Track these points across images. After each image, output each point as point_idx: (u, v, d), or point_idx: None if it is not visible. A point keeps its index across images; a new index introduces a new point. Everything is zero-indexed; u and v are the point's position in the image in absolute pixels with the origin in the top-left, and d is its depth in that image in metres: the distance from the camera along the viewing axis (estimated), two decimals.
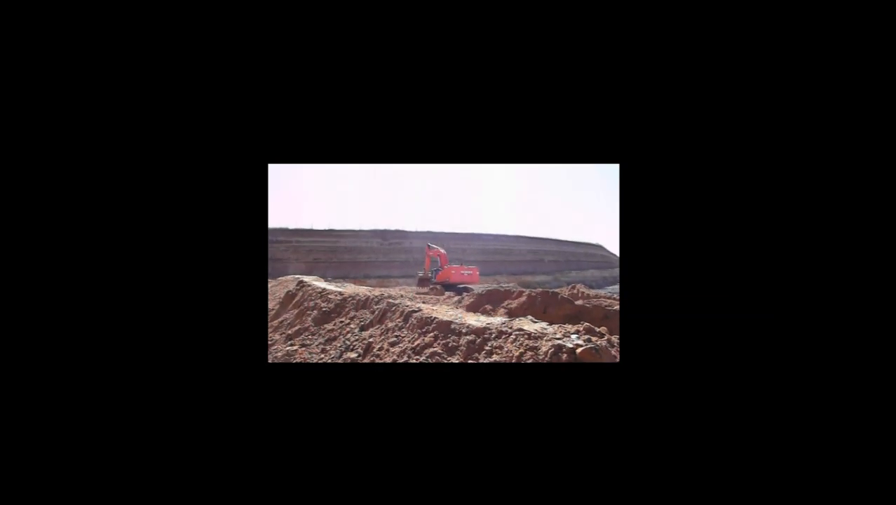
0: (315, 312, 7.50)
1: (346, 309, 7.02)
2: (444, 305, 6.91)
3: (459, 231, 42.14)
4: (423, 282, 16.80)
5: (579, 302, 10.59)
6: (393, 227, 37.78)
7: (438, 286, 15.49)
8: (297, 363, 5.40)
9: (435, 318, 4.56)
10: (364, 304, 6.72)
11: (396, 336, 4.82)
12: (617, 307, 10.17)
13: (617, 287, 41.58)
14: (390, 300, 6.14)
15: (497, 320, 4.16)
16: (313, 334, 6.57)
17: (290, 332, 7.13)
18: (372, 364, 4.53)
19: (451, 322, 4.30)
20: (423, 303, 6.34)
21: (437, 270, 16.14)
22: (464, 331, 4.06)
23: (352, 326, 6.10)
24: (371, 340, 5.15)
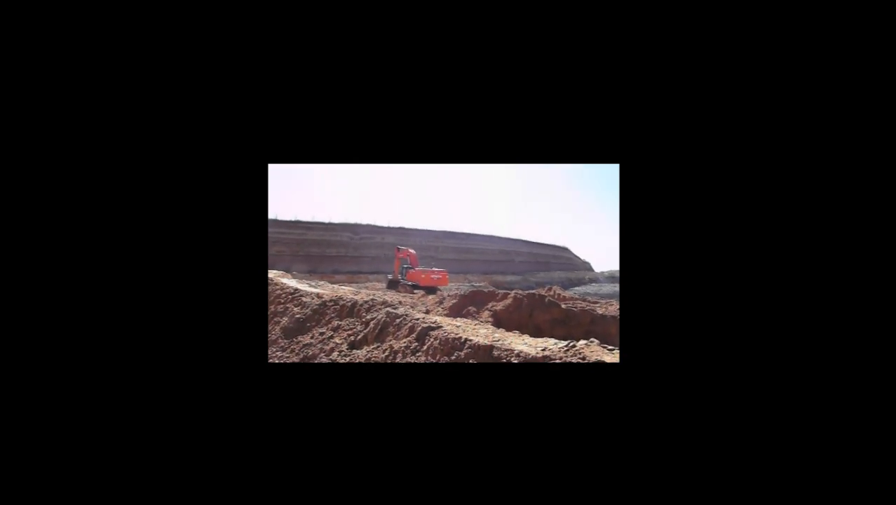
0: (286, 319, 6.34)
1: (327, 316, 5.89)
2: (469, 322, 5.64)
3: (432, 228, 41.54)
4: (392, 284, 16.91)
5: (565, 305, 10.36)
6: (364, 222, 36.33)
7: (408, 285, 15.64)
8: (297, 363, 4.60)
9: (467, 339, 3.66)
10: (351, 310, 5.62)
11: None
12: (601, 311, 10.02)
13: (582, 288, 43.21)
14: (390, 309, 5.02)
15: (555, 344, 3.44)
16: (284, 350, 5.41)
17: None
18: (372, 364, 4.03)
19: (491, 347, 3.41)
20: (427, 312, 5.44)
21: (406, 269, 16.29)
22: (515, 361, 3.27)
23: (336, 340, 5.04)
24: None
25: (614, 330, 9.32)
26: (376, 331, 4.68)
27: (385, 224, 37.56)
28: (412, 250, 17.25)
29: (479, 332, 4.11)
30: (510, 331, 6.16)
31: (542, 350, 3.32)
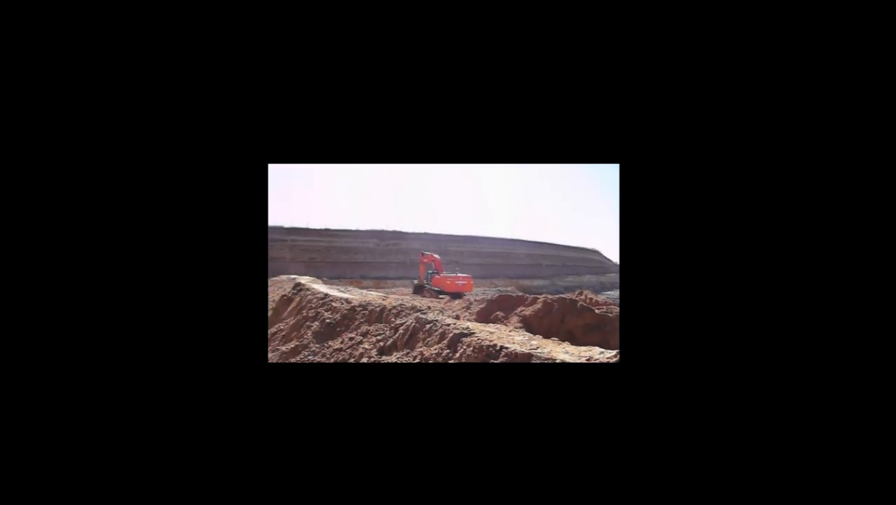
0: (317, 323, 6.48)
1: (356, 322, 5.93)
2: (503, 328, 5.40)
3: (457, 234, 41.52)
4: (418, 289, 16.97)
5: (599, 311, 9.86)
6: (390, 228, 36.94)
7: (434, 291, 15.68)
8: (297, 363, 4.63)
9: (503, 347, 3.46)
10: (379, 316, 5.62)
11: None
12: None
13: (615, 292, 41.43)
14: (419, 315, 4.90)
15: (601, 353, 3.20)
16: (315, 354, 5.50)
17: (285, 348, 6.10)
18: (372, 364, 4.00)
19: (530, 355, 3.22)
20: (457, 317, 5.32)
21: (431, 275, 16.41)
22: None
23: (365, 345, 5.05)
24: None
25: None
26: (406, 337, 4.60)
27: (410, 230, 38.04)
28: (437, 255, 17.45)
29: (515, 339, 3.88)
30: (542, 336, 5.90)
31: (588, 360, 3.07)
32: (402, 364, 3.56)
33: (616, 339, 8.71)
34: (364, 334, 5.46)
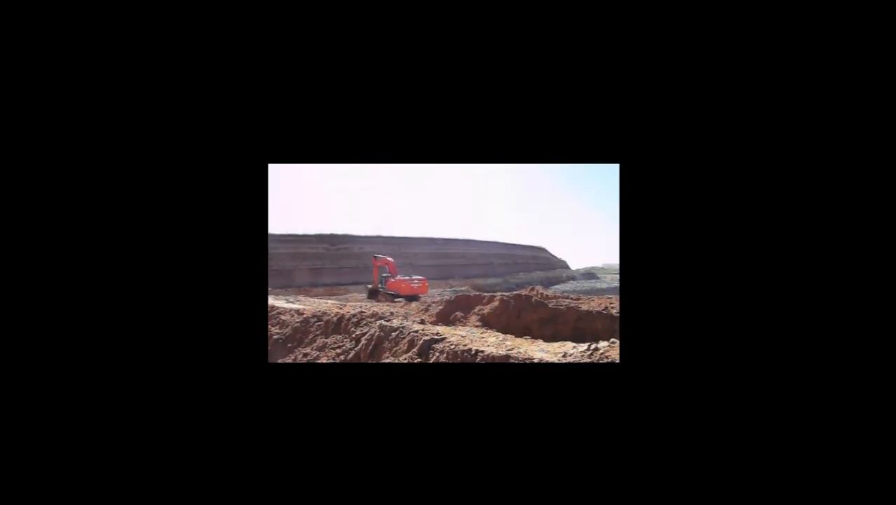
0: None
1: (311, 335, 5.43)
2: (477, 330, 5.39)
3: (411, 235, 41.17)
4: (372, 294, 16.61)
5: (551, 305, 10.38)
6: (340, 232, 35.44)
7: (389, 294, 15.38)
8: (297, 363, 4.24)
9: (477, 350, 3.41)
10: (337, 326, 5.19)
11: None
12: (586, 308, 10.09)
13: (561, 286, 44.09)
14: (383, 322, 4.61)
15: (574, 348, 3.24)
16: None
17: None
18: (372, 364, 3.84)
19: (507, 357, 3.19)
20: (423, 322, 5.13)
21: (386, 278, 16.12)
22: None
23: (323, 360, 4.61)
24: None
25: (600, 325, 9.42)
26: (370, 347, 4.28)
27: (361, 233, 36.87)
28: (390, 258, 17.23)
29: (488, 340, 3.84)
30: (499, 333, 5.98)
31: (564, 356, 3.14)
32: (403, 364, 3.44)
33: (567, 330, 9.25)
34: (321, 348, 5.01)
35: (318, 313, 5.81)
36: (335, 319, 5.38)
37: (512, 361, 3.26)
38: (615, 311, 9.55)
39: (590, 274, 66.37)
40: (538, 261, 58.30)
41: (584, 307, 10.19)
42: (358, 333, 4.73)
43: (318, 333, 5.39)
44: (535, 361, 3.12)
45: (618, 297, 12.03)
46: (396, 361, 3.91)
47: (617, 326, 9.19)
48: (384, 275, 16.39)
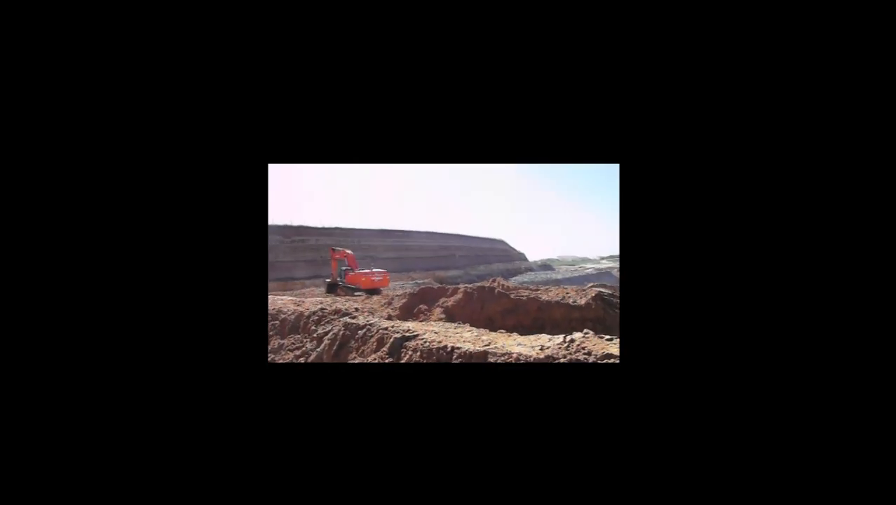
0: None
1: (268, 334, 4.96)
2: (450, 326, 5.00)
3: (370, 227, 40.06)
4: (331, 288, 16.02)
5: (513, 295, 10.67)
6: (295, 224, 33.44)
7: (349, 288, 14.85)
8: (297, 363, 3.87)
9: (454, 347, 3.25)
10: (295, 325, 4.73)
11: None
12: (545, 298, 10.49)
13: (520, 277, 45.70)
14: (348, 319, 4.23)
15: (550, 340, 3.19)
16: None
17: None
18: (372, 364, 3.66)
19: (486, 353, 3.07)
20: (391, 318, 4.89)
21: (345, 272, 15.56)
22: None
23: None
24: None
25: (558, 314, 9.84)
26: (334, 348, 3.88)
27: (319, 225, 35.13)
28: (349, 251, 16.54)
29: (464, 336, 3.68)
30: (461, 324, 5.95)
31: (541, 349, 3.14)
32: (403, 364, 3.30)
33: (528, 319, 9.57)
34: (276, 351, 4.54)
35: (273, 311, 5.28)
36: (292, 317, 4.92)
37: (490, 357, 3.18)
38: (571, 300, 10.02)
39: (546, 265, 69.62)
40: (498, 253, 59.86)
41: (545, 297, 10.60)
42: (320, 332, 4.35)
43: (273, 333, 4.91)
44: (524, 358, 3.06)
45: (573, 287, 12.62)
46: (366, 361, 3.70)
47: (574, 315, 9.64)
48: (343, 268, 15.76)
